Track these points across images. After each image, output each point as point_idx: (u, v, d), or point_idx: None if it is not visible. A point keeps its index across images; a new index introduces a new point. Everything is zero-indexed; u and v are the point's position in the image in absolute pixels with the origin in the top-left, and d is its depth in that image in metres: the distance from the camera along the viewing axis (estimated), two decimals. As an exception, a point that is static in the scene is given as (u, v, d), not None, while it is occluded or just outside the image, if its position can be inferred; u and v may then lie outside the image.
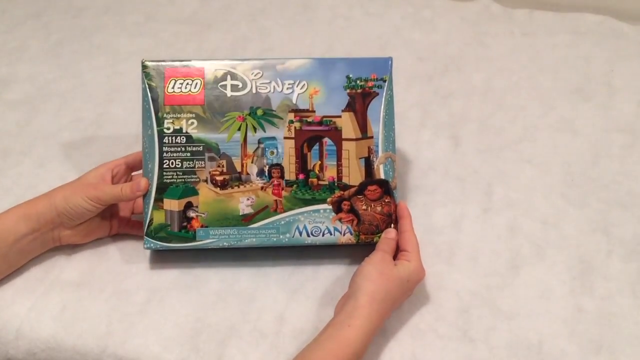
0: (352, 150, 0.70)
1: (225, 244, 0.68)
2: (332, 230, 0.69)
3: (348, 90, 0.70)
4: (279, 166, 0.69)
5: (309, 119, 0.70)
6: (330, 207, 0.69)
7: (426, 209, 0.77)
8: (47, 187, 0.69)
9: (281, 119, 0.70)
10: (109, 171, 0.70)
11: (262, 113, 0.69)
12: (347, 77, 0.70)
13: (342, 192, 0.69)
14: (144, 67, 0.69)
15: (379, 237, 0.68)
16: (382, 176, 0.70)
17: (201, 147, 0.69)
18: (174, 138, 0.69)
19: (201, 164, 0.69)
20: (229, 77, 0.70)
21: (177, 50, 1.03)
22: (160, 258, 0.71)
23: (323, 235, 0.69)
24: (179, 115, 0.69)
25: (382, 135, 0.70)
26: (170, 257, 0.71)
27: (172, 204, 0.68)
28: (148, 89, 0.69)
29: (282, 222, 0.68)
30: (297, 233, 0.68)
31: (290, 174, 0.69)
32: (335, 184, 0.70)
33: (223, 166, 0.69)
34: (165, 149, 0.68)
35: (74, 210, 0.66)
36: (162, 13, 1.11)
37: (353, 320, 0.58)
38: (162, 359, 0.63)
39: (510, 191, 0.79)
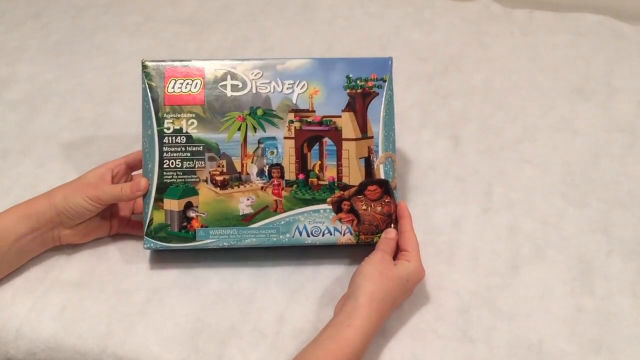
0: (352, 150, 0.70)
1: (225, 244, 0.68)
2: (332, 230, 0.69)
3: (348, 90, 0.70)
4: (279, 166, 0.69)
5: (309, 119, 0.70)
6: (330, 207, 0.69)
7: (426, 209, 0.77)
8: (47, 187, 0.69)
9: (281, 119, 0.70)
10: (109, 171, 0.70)
11: (262, 113, 0.69)
12: (347, 77, 0.70)
13: (342, 192, 0.69)
14: (144, 67, 0.69)
15: (379, 237, 0.68)
16: (382, 176, 0.70)
17: (201, 147, 0.69)
18: (174, 138, 0.69)
19: (201, 164, 0.69)
20: (229, 77, 0.70)
21: (177, 50, 1.03)
22: (160, 258, 0.71)
23: (323, 235, 0.69)
24: (179, 115, 0.69)
25: (382, 135, 0.70)
26: (170, 257, 0.71)
27: (172, 204, 0.68)
28: (148, 89, 0.69)
29: (282, 222, 0.68)
30: (297, 233, 0.68)
31: (290, 174, 0.69)
32: (335, 184, 0.70)
33: (223, 166, 0.69)
34: (165, 149, 0.68)
35: (73, 210, 0.66)
36: (162, 13, 1.11)
37: (353, 320, 0.58)
38: (162, 359, 0.63)
39: (510, 191, 0.79)
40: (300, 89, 0.70)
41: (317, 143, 0.70)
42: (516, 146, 0.85)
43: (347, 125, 0.70)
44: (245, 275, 0.70)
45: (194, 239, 0.68)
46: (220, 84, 0.70)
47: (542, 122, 0.89)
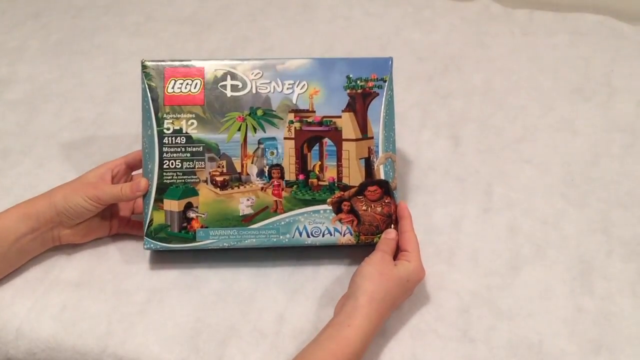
0: (352, 150, 0.70)
1: (225, 244, 0.68)
2: (332, 230, 0.69)
3: (348, 91, 0.70)
4: (279, 167, 0.69)
5: (309, 119, 0.70)
6: (330, 207, 0.69)
7: (426, 209, 0.77)
8: (47, 187, 0.69)
9: (281, 119, 0.70)
10: (109, 171, 0.70)
11: (262, 113, 0.69)
12: (347, 77, 0.70)
13: (342, 193, 0.69)
14: (144, 67, 0.69)
15: (379, 237, 0.68)
16: (382, 177, 0.70)
17: (201, 148, 0.69)
18: (173, 138, 0.69)
19: (201, 165, 0.69)
20: (229, 77, 0.70)
21: (177, 50, 1.03)
22: (160, 258, 0.71)
23: (323, 235, 0.69)
24: (178, 116, 0.69)
25: (382, 135, 0.70)
26: (170, 258, 0.71)
27: (172, 205, 0.68)
28: (148, 89, 0.69)
29: (282, 223, 0.68)
30: (297, 234, 0.68)
31: (290, 174, 0.69)
32: (336, 185, 0.70)
33: (223, 167, 0.69)
34: (165, 149, 0.68)
35: (73, 210, 0.66)
36: (162, 13, 1.11)
37: (352, 320, 0.58)
38: (162, 359, 0.63)
39: (510, 191, 0.79)
40: (301, 89, 0.70)
41: (317, 143, 0.70)
42: (516, 146, 0.85)
43: (347, 125, 0.70)
44: (245, 276, 0.70)
45: (194, 239, 0.68)
46: (220, 84, 0.70)
47: (542, 122, 0.89)
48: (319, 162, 0.70)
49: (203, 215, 0.68)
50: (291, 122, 0.70)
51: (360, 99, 0.70)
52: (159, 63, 0.69)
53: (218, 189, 0.69)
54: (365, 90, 0.70)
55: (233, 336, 0.64)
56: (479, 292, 0.68)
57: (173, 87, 0.69)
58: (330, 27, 1.08)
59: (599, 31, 1.05)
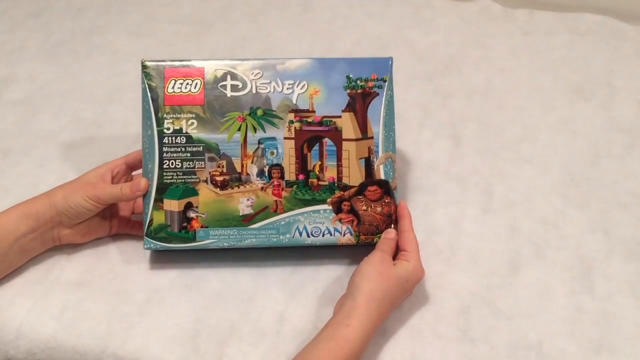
0: (352, 150, 0.70)
1: (225, 244, 0.68)
2: (332, 230, 0.69)
3: (348, 91, 0.70)
4: (279, 166, 0.69)
5: (309, 119, 0.70)
6: (331, 207, 0.69)
7: (426, 209, 0.77)
8: (47, 187, 0.69)
9: (281, 119, 0.70)
10: (109, 171, 0.70)
11: (262, 113, 0.69)
12: (348, 77, 0.70)
13: (342, 193, 0.69)
14: (144, 67, 0.69)
15: (379, 237, 0.68)
16: (382, 177, 0.70)
17: (201, 148, 0.69)
18: (173, 138, 0.69)
19: (201, 165, 0.69)
20: (229, 77, 0.70)
21: (177, 50, 1.03)
22: (160, 258, 0.71)
23: (323, 235, 0.69)
24: (178, 116, 0.69)
25: (382, 135, 0.70)
26: (170, 258, 0.71)
27: (172, 205, 0.68)
28: (148, 89, 0.69)
29: (282, 223, 0.68)
30: (297, 233, 0.68)
31: (290, 174, 0.69)
32: (336, 185, 0.70)
33: (223, 166, 0.69)
34: (165, 149, 0.68)
35: (73, 209, 0.66)
36: (162, 13, 1.11)
37: (351, 320, 0.58)
38: (162, 359, 0.63)
39: (510, 191, 0.79)
40: (301, 89, 0.70)
41: (317, 143, 0.70)
42: (516, 146, 0.85)
43: (347, 125, 0.70)
44: (245, 275, 0.70)
45: (194, 239, 0.68)
46: (220, 84, 0.70)
47: (542, 122, 0.89)
48: (319, 162, 0.70)
49: (203, 215, 0.68)
50: (291, 122, 0.70)
51: (360, 99, 0.70)
52: (159, 63, 0.69)
53: (218, 188, 0.69)
54: (365, 90, 0.70)
55: (233, 336, 0.64)
56: (479, 292, 0.68)
57: (173, 87, 0.69)
58: (330, 27, 1.08)
59: (599, 31, 1.05)
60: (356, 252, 0.70)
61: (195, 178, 0.68)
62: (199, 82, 0.69)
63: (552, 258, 0.72)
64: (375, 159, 0.70)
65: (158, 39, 1.05)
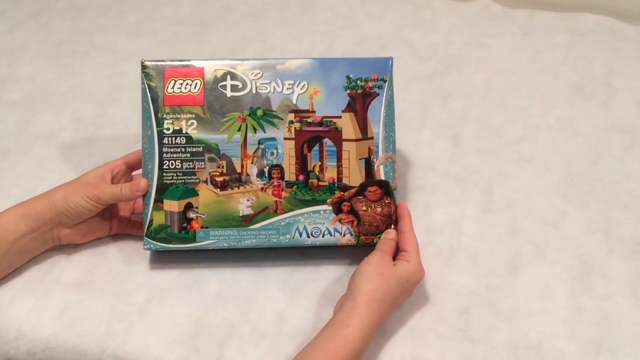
0: (352, 151, 0.70)
1: (225, 245, 0.68)
2: (332, 231, 0.69)
3: (348, 91, 0.70)
4: (279, 167, 0.69)
5: (309, 120, 0.70)
6: (331, 208, 0.69)
7: (426, 209, 0.77)
8: (47, 187, 0.69)
9: (281, 119, 0.70)
10: (109, 171, 0.70)
11: (262, 113, 0.69)
12: (348, 77, 0.70)
13: (342, 193, 0.69)
14: (144, 67, 0.69)
15: (379, 238, 0.68)
16: (383, 177, 0.70)
17: (201, 148, 0.69)
18: (173, 139, 0.69)
19: (201, 165, 0.69)
20: (229, 77, 0.70)
21: (177, 50, 1.03)
22: (160, 258, 0.71)
23: (323, 236, 0.69)
24: (178, 116, 0.69)
25: (383, 135, 0.70)
26: (170, 258, 0.71)
27: (172, 205, 0.68)
28: (148, 89, 0.69)
29: (282, 223, 0.68)
30: (297, 234, 0.68)
31: (290, 174, 0.69)
32: (336, 185, 0.70)
33: (223, 167, 0.69)
34: (165, 149, 0.68)
35: (73, 210, 0.66)
36: (162, 13, 1.11)
37: (351, 320, 0.58)
38: (162, 359, 0.63)
39: (510, 191, 0.79)
40: (301, 89, 0.70)
41: (317, 144, 0.70)
42: (516, 146, 0.85)
43: (348, 125, 0.70)
44: (245, 276, 0.70)
45: (194, 239, 0.68)
46: (220, 84, 0.69)
47: (542, 122, 0.89)
48: (319, 163, 0.70)
49: (203, 216, 0.68)
50: (291, 122, 0.70)
51: (360, 99, 0.70)
52: (159, 63, 0.69)
53: (218, 189, 0.69)
54: (365, 90, 0.70)
55: (233, 336, 0.64)
56: (479, 292, 0.68)
57: (173, 87, 0.69)
58: (330, 27, 1.08)
59: (599, 31, 1.05)
60: (356, 252, 0.70)
61: (195, 178, 0.68)
62: (198, 82, 0.69)
63: (552, 258, 0.72)
64: (375, 160, 0.70)
65: (158, 39, 1.05)
